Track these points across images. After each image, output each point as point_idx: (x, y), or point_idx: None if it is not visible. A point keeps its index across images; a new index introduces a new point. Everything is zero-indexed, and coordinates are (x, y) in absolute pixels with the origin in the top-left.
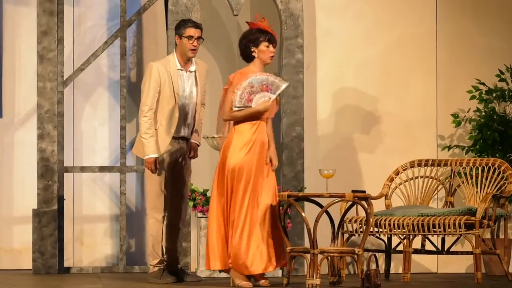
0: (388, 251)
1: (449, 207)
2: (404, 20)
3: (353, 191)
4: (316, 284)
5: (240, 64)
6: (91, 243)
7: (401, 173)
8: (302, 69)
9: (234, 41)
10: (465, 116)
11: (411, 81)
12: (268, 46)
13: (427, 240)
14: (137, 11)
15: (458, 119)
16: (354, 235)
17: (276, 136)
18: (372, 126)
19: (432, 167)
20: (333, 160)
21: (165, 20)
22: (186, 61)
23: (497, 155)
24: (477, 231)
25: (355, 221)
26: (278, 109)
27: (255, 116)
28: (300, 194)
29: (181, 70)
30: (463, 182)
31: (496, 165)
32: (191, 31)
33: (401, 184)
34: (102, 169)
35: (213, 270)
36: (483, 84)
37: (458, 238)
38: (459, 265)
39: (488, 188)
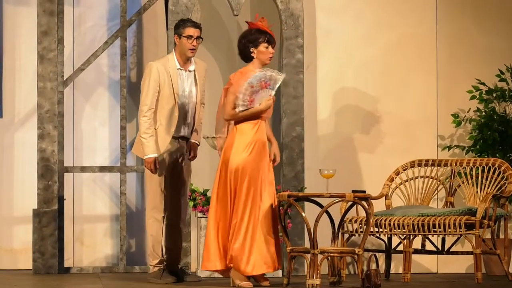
0: (388, 251)
1: (449, 207)
2: (404, 20)
3: (353, 191)
4: (316, 284)
5: (240, 64)
6: (91, 243)
7: (401, 173)
8: (302, 69)
9: (234, 41)
10: (465, 116)
11: (411, 81)
12: (267, 47)
13: (427, 240)
14: (137, 11)
15: (458, 119)
16: (354, 235)
17: (276, 136)
18: (372, 126)
19: (432, 167)
20: (333, 160)
21: (165, 20)
22: (185, 60)
23: (497, 155)
24: (477, 231)
25: (355, 221)
26: (279, 109)
27: (256, 115)
28: (300, 194)
29: (181, 69)
30: (463, 182)
31: (496, 165)
32: (190, 31)
33: (401, 184)
34: (102, 169)
35: (211, 271)
36: (483, 84)
37: (458, 238)
38: (459, 265)
39: (488, 188)
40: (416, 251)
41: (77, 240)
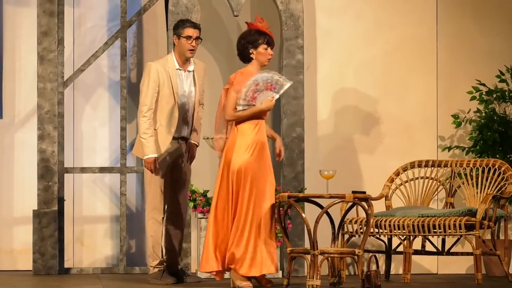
0: (389, 252)
1: (449, 208)
2: (404, 21)
3: (353, 192)
4: (317, 285)
5: (240, 65)
6: (91, 244)
7: (401, 174)
8: (302, 69)
9: (234, 41)
10: (465, 117)
11: (411, 81)
12: (266, 49)
13: (427, 241)
14: (137, 12)
15: (458, 120)
16: (354, 236)
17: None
18: (372, 127)
19: (433, 168)
20: (333, 161)
21: (166, 21)
22: (184, 61)
23: (497, 156)
24: (477, 232)
25: (355, 222)
26: (279, 110)
27: (257, 116)
28: (301, 195)
29: (180, 70)
30: (463, 183)
31: (496, 166)
32: (189, 31)
33: (401, 185)
34: (102, 170)
35: (207, 272)
36: (483, 85)
37: (458, 239)
38: (460, 266)
39: (488, 189)
40: (416, 252)
41: (77, 241)
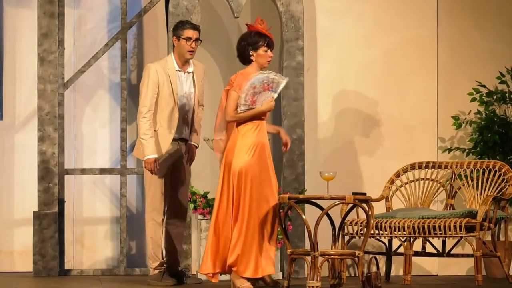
0: (389, 253)
1: (449, 209)
2: (404, 22)
3: (353, 194)
4: (317, 286)
5: (240, 66)
6: (92, 245)
7: (402, 175)
8: (302, 71)
9: (235, 43)
10: (465, 118)
11: (411, 83)
12: (266, 51)
13: (427, 242)
14: (137, 13)
15: (458, 121)
16: (355, 238)
17: (277, 138)
18: (372, 128)
19: (433, 169)
20: (333, 163)
21: (166, 22)
22: (184, 62)
23: (497, 157)
24: (477, 234)
25: (356, 223)
26: (279, 111)
27: (258, 117)
28: (301, 196)
29: (179, 71)
30: (463, 185)
31: (496, 168)
32: (189, 33)
33: (402, 186)
34: (102, 171)
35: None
36: (484, 86)
37: (458, 241)
38: (460, 267)
39: (488, 190)
40: (417, 254)
41: (77, 242)
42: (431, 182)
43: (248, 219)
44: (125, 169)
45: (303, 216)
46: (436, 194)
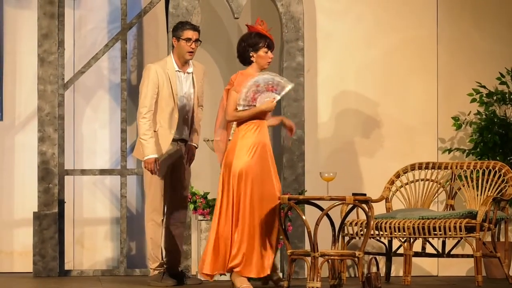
0: (389, 254)
1: (449, 210)
2: (404, 23)
3: (353, 194)
4: (317, 287)
5: (240, 67)
6: (92, 246)
7: (402, 176)
8: (302, 72)
9: (235, 43)
10: (465, 119)
11: (411, 83)
12: (266, 52)
13: (427, 243)
14: (137, 14)
15: (458, 122)
16: (355, 238)
17: (277, 139)
18: (372, 129)
19: (433, 170)
20: (333, 163)
21: (166, 23)
22: (183, 63)
23: (497, 158)
24: (477, 234)
25: (356, 224)
26: (279, 112)
27: (258, 117)
28: (301, 197)
29: (179, 71)
30: (463, 185)
31: (496, 168)
32: (189, 34)
33: (402, 187)
34: (102, 172)
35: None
36: (484, 87)
37: (458, 241)
38: (460, 268)
39: (488, 191)
40: (417, 254)
41: (77, 243)
42: (431, 183)
43: (249, 220)
44: (125, 169)
45: (303, 217)
46: (436, 194)
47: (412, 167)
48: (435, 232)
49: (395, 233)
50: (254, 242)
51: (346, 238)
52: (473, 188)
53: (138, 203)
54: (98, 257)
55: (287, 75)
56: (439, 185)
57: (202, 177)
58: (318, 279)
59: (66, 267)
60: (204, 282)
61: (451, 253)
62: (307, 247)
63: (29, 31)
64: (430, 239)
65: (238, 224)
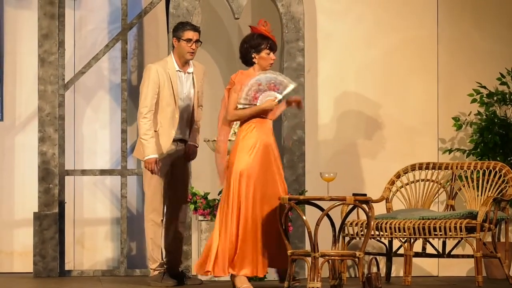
0: (389, 254)
1: (450, 210)
2: (404, 23)
3: (354, 195)
4: (317, 287)
5: (240, 67)
6: (92, 246)
7: (402, 176)
8: (303, 72)
9: (235, 44)
10: (466, 119)
11: (412, 84)
12: (269, 53)
13: (428, 243)
14: (138, 14)
15: (459, 123)
16: (355, 238)
17: (277, 139)
18: (372, 129)
19: (433, 170)
20: (334, 164)
21: (166, 23)
22: (184, 63)
23: (498, 158)
24: (478, 235)
25: (356, 224)
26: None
27: (259, 115)
28: (301, 197)
29: (180, 71)
30: (464, 186)
31: (497, 169)
32: (189, 34)
33: (402, 187)
34: (103, 172)
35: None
36: (484, 87)
37: (459, 242)
38: (460, 268)
39: (489, 191)
40: (417, 254)
41: (77, 243)
42: (431, 183)
43: (251, 221)
44: (125, 170)
45: (304, 217)
46: (437, 195)
47: (413, 168)
48: (436, 233)
49: (396, 234)
50: (255, 242)
51: (347, 239)
52: (474, 189)
53: (138, 203)
54: (99, 257)
55: (288, 76)
56: (439, 186)
57: (202, 177)
58: (319, 280)
59: (67, 268)
60: (204, 282)
61: (452, 253)
62: (308, 247)
63: (30, 31)
64: (431, 240)
65: (239, 224)
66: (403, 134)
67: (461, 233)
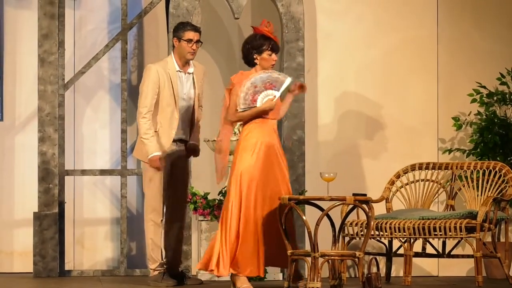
0: (389, 254)
1: (450, 210)
2: (404, 23)
3: (354, 195)
4: (317, 287)
5: (241, 68)
6: (92, 246)
7: (402, 176)
8: (303, 72)
9: (235, 44)
10: (466, 119)
11: (412, 84)
12: (270, 55)
13: (428, 243)
14: (138, 14)
15: (459, 123)
16: (355, 238)
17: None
18: (372, 129)
19: (433, 170)
20: (334, 164)
21: (166, 23)
22: (184, 63)
23: (498, 158)
24: (478, 235)
25: (356, 224)
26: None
27: (260, 115)
28: (301, 197)
29: (180, 71)
30: (464, 186)
31: (497, 169)
32: (190, 35)
33: (402, 187)
34: (103, 172)
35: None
36: (484, 87)
37: (459, 242)
38: (460, 268)
39: (489, 191)
40: (417, 255)
41: (77, 243)
42: (431, 183)
43: (253, 221)
44: (125, 170)
45: (304, 217)
46: (437, 195)
47: (413, 168)
48: (435, 233)
49: (396, 234)
50: (256, 242)
51: (347, 239)
52: (474, 189)
53: (138, 203)
54: (98, 257)
55: (288, 75)
56: (439, 186)
57: (202, 178)
58: (319, 280)
59: (66, 267)
60: (205, 282)
61: (452, 253)
62: (308, 247)
63: (30, 31)
64: (431, 240)
65: (240, 224)
66: (403, 134)
67: (461, 233)
